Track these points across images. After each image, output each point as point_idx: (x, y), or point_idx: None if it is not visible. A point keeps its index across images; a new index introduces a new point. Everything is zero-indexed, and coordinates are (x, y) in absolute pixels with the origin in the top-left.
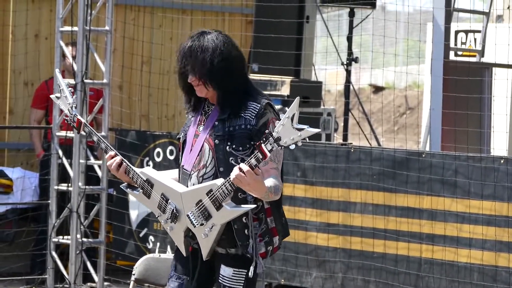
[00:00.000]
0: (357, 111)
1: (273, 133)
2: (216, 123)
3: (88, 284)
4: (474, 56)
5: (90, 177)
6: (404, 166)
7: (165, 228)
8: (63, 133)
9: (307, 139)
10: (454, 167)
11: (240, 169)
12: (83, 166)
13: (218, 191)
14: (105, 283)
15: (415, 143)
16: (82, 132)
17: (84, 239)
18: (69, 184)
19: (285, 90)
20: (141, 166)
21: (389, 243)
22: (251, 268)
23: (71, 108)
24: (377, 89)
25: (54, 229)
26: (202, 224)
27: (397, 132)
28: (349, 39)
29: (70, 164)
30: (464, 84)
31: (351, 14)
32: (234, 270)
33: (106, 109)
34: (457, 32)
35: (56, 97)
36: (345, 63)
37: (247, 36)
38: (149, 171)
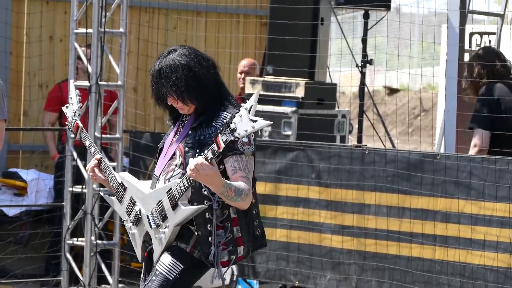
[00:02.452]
0: (372, 113)
1: (230, 124)
2: (189, 131)
3: (103, 286)
4: None
5: None
6: (419, 168)
7: (128, 233)
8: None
9: (262, 132)
10: (469, 169)
11: (196, 163)
12: None
13: (176, 189)
14: (120, 285)
15: (430, 145)
16: (78, 137)
17: (99, 241)
18: (84, 186)
19: (299, 92)
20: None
21: (403, 244)
22: (212, 276)
23: (74, 114)
24: (392, 91)
25: (68, 231)
26: (158, 225)
27: (412, 134)
28: (364, 41)
29: (85, 166)
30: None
31: (366, 16)
32: (172, 260)
33: (120, 111)
34: (471, 34)
35: (66, 106)
36: (359, 65)
37: (262, 38)
38: (126, 175)
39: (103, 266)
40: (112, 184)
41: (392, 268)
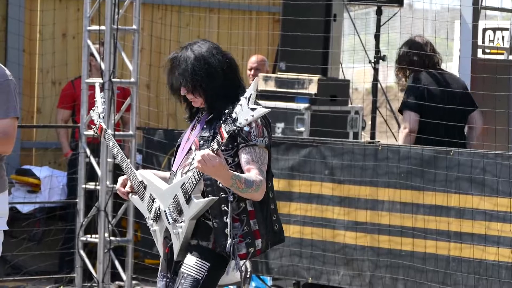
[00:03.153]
0: (385, 109)
1: (232, 114)
2: (204, 126)
3: (116, 282)
4: (502, 54)
5: (118, 175)
6: (432, 164)
7: (150, 231)
8: (90, 132)
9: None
10: (482, 165)
11: (202, 154)
12: (111, 164)
13: (188, 182)
14: (133, 282)
15: None
16: (102, 138)
17: (112, 238)
18: (97, 183)
19: (312, 89)
20: (169, 164)
21: (417, 241)
22: (228, 267)
23: (99, 116)
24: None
25: (82, 228)
26: (175, 220)
27: None
28: (377, 37)
29: (98, 163)
30: (492, 82)
31: (379, 12)
32: (197, 260)
33: (133, 108)
34: (484, 30)
35: (92, 109)
36: (372, 61)
37: (275, 34)
38: (146, 172)
39: (116, 263)
40: (133, 182)
41: (407, 265)
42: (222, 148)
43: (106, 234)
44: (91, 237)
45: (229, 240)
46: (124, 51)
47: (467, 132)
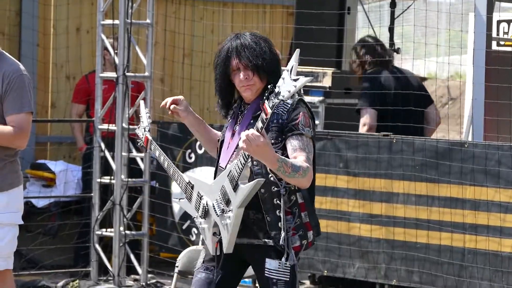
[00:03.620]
0: None
1: (274, 89)
2: (251, 120)
3: (132, 276)
4: None
5: (133, 169)
6: (447, 156)
7: (200, 230)
8: (105, 126)
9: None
10: (497, 157)
11: (246, 134)
12: (126, 158)
13: (234, 169)
14: (149, 275)
15: (458, 134)
16: (149, 150)
17: (127, 232)
18: (112, 177)
19: (326, 82)
20: (184, 158)
21: (432, 233)
22: (283, 259)
23: (144, 130)
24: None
25: (97, 222)
26: (223, 211)
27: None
28: (391, 30)
29: (113, 157)
30: (507, 74)
31: (393, 5)
32: (279, 262)
33: (148, 102)
34: (499, 22)
35: (138, 127)
36: None
37: (288, 28)
38: (192, 173)
39: (132, 257)
40: (180, 185)
41: (422, 257)
42: (272, 141)
43: (121, 228)
44: (106, 231)
45: (282, 234)
46: (138, 45)
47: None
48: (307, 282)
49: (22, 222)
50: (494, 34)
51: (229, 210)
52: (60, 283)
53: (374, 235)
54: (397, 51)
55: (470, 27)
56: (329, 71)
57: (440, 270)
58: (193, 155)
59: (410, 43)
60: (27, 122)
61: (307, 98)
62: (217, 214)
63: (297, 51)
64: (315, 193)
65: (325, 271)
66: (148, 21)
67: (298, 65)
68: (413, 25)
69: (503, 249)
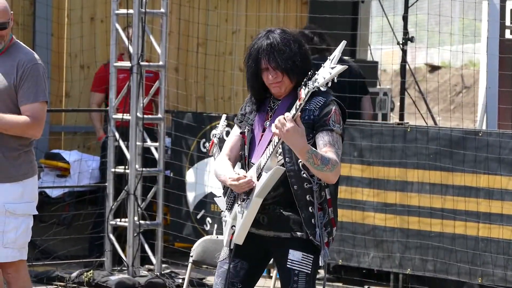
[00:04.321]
0: (413, 91)
1: (313, 75)
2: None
3: (146, 266)
4: None
5: (147, 159)
6: (461, 145)
7: (223, 225)
8: (119, 115)
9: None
10: (511, 145)
11: (279, 118)
12: (140, 148)
13: (263, 158)
14: (163, 265)
15: (472, 122)
16: (211, 153)
17: (142, 222)
18: (126, 167)
19: None
20: (198, 147)
21: (446, 222)
22: (320, 257)
23: (214, 136)
24: (433, 68)
25: (111, 211)
26: (243, 200)
27: (454, 111)
28: (405, 18)
29: (127, 147)
30: None
31: None
32: (303, 254)
33: (162, 91)
34: None
35: (213, 135)
36: (400, 42)
37: (303, 17)
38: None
39: (146, 247)
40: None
41: (436, 246)
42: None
43: (136, 218)
44: (120, 221)
45: (317, 230)
46: (152, 34)
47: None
48: (322, 271)
49: (36, 212)
50: (507, 23)
51: (248, 199)
52: (74, 274)
53: (388, 224)
54: (411, 39)
55: (483, 16)
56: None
57: (454, 258)
58: (207, 145)
59: (424, 31)
60: (42, 112)
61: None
62: (238, 204)
63: (343, 42)
64: (338, 188)
65: (340, 261)
66: (162, 10)
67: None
68: (427, 14)
69: None
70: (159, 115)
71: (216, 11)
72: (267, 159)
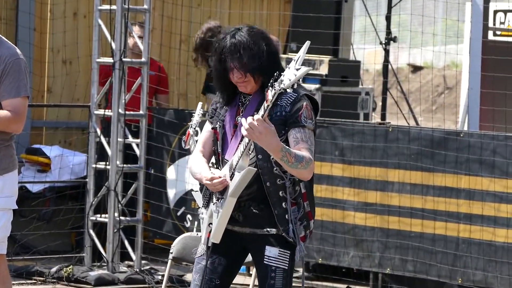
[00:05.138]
0: (395, 91)
1: (279, 77)
2: (255, 112)
3: (126, 262)
4: None
5: (128, 155)
6: (442, 145)
7: (200, 222)
8: (101, 111)
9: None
10: (492, 146)
11: (250, 122)
12: (121, 144)
13: (235, 158)
14: (143, 262)
15: (453, 123)
16: (188, 146)
17: (122, 218)
18: (107, 163)
19: (323, 70)
20: (179, 145)
21: (427, 222)
22: (296, 252)
23: (191, 126)
24: (416, 69)
25: (91, 207)
26: (218, 199)
27: (435, 111)
28: (388, 18)
29: (108, 143)
30: (503, 63)
31: None
32: (279, 250)
33: (144, 88)
34: (495, 12)
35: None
36: (383, 42)
37: (286, 15)
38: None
39: (126, 243)
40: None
41: (416, 246)
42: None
43: (116, 214)
44: (101, 217)
45: (291, 226)
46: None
47: None
48: (301, 270)
49: (16, 207)
50: (490, 24)
51: (222, 198)
52: (54, 269)
53: (368, 224)
54: (394, 39)
55: (467, 17)
56: (326, 59)
57: (434, 259)
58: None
59: (407, 31)
60: (24, 107)
61: (303, 86)
62: (213, 203)
63: (307, 43)
64: (313, 182)
65: (320, 259)
66: (145, 6)
67: (296, 52)
68: (410, 14)
69: (497, 239)
70: (141, 112)
71: (199, 8)
72: (239, 159)
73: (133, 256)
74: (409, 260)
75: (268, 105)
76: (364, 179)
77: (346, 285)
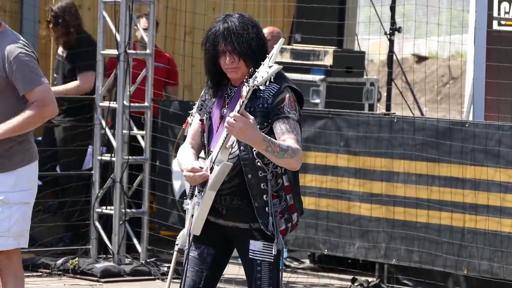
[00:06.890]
0: (400, 81)
1: (254, 73)
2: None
3: (131, 254)
4: None
5: (133, 147)
6: (447, 136)
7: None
8: (106, 103)
9: None
10: (498, 136)
11: (228, 120)
12: (126, 136)
13: (215, 151)
14: (148, 253)
15: (458, 113)
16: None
17: (127, 210)
18: (112, 155)
19: (328, 60)
20: (184, 136)
21: (432, 213)
22: (274, 246)
23: (190, 115)
24: (420, 59)
25: (97, 199)
26: (199, 192)
27: (440, 102)
28: (392, 8)
29: (113, 135)
30: (507, 53)
31: None
32: (264, 243)
33: (149, 79)
34: (500, 2)
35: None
36: (388, 33)
37: (290, 6)
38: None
39: (132, 235)
40: None
41: (422, 237)
42: (258, 126)
43: (122, 206)
44: (106, 209)
45: (270, 219)
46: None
47: None
48: (307, 261)
49: (32, 200)
50: (495, 14)
51: (203, 191)
52: (60, 261)
53: (374, 214)
54: (399, 30)
55: (471, 7)
56: (331, 49)
57: (439, 249)
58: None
59: (411, 22)
60: (45, 92)
61: (308, 77)
62: (195, 195)
63: (281, 40)
64: (298, 174)
65: (325, 250)
66: None
67: (301, 43)
68: (415, 4)
69: (503, 229)
70: (146, 103)
71: (204, 0)
72: (218, 153)
73: (139, 248)
74: (415, 250)
75: (243, 101)
76: (369, 170)
77: (352, 276)
